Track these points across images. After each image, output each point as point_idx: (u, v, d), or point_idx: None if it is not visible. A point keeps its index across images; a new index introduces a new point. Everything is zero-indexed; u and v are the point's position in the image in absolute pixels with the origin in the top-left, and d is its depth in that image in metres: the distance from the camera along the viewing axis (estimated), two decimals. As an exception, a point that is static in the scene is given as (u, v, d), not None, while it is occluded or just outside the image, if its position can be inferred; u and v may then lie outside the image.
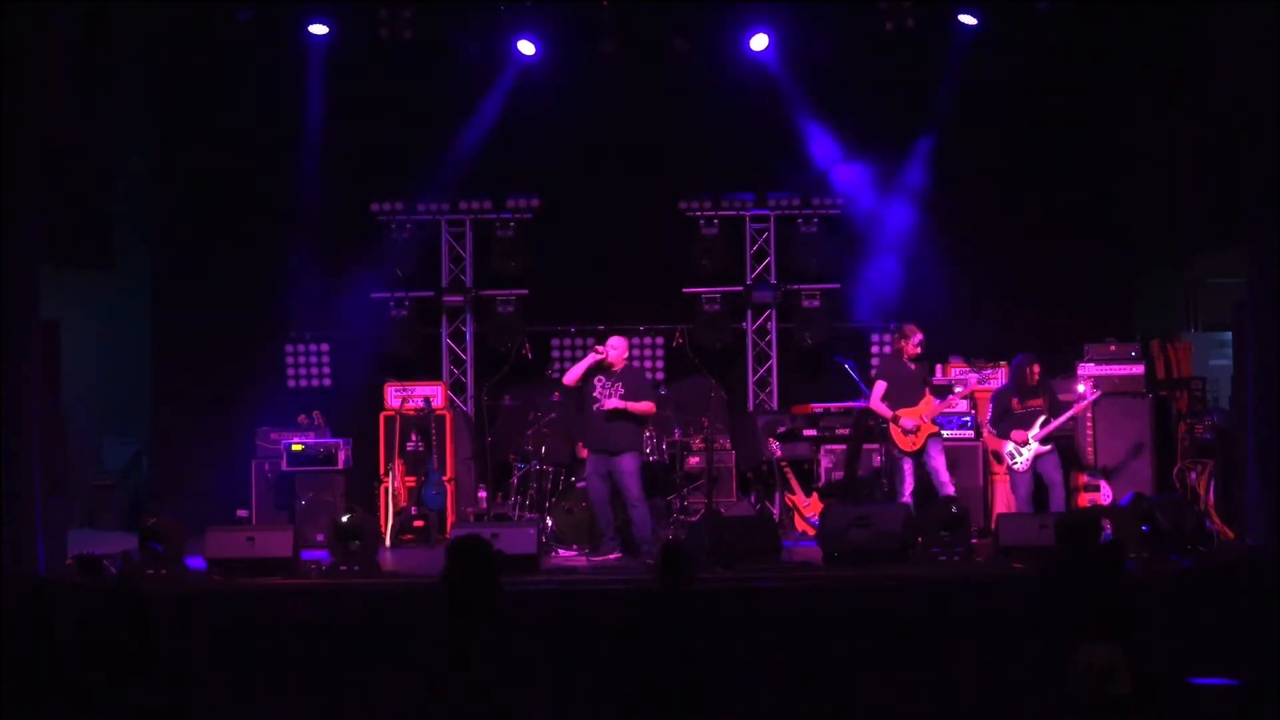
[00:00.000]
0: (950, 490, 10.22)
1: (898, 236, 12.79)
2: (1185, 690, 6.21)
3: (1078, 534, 6.66)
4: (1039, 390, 10.42)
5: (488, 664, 5.47)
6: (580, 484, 10.66)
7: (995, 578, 8.93)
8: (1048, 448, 10.33)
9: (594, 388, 10.03)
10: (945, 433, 10.86)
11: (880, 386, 10.56)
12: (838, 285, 12.92)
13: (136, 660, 5.19)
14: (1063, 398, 10.58)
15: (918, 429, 10.33)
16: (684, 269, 12.99)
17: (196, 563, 9.42)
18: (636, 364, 12.91)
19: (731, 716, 5.67)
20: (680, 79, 12.62)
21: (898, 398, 10.45)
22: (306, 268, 12.78)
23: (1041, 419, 10.32)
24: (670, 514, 11.07)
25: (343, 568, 9.41)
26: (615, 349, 10.08)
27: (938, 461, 10.34)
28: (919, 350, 10.48)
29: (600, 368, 10.04)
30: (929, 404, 10.34)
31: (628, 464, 9.91)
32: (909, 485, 10.39)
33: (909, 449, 10.38)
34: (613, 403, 9.88)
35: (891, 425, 10.43)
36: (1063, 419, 10.35)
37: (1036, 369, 10.42)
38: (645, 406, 9.99)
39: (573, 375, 10.16)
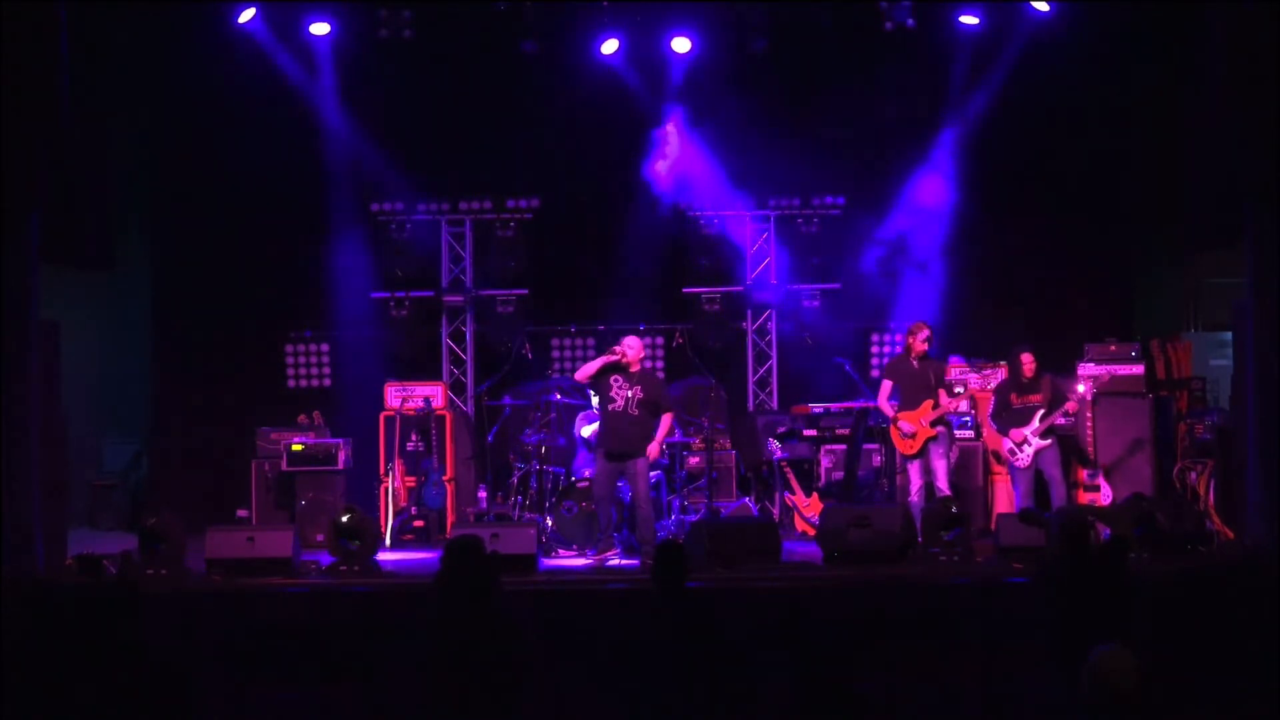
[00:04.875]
0: (946, 493, 10.20)
1: (898, 237, 12.79)
2: (1188, 690, 6.21)
3: (1074, 532, 6.66)
4: (1037, 384, 10.40)
5: (485, 664, 5.47)
6: (581, 483, 10.67)
7: (995, 578, 8.92)
8: (1047, 442, 10.32)
9: (610, 387, 9.95)
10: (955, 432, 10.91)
11: (885, 386, 10.56)
12: (838, 285, 12.91)
13: (130, 657, 5.19)
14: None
15: (915, 434, 10.31)
16: (684, 269, 12.99)
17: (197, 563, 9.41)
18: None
19: (731, 716, 5.67)
20: (682, 78, 12.63)
21: (903, 397, 10.45)
22: (306, 268, 12.78)
23: (1040, 413, 10.31)
24: (670, 514, 11.07)
25: (343, 568, 9.40)
26: (632, 349, 10.02)
27: (938, 464, 10.32)
28: (926, 347, 10.43)
29: (616, 367, 10.03)
30: (926, 407, 10.32)
31: (640, 465, 9.90)
32: (915, 484, 10.38)
33: (907, 452, 10.37)
34: (654, 451, 9.88)
35: (892, 427, 10.45)
36: (1056, 415, 10.31)
37: (1029, 359, 10.39)
38: (667, 424, 9.98)
39: (586, 371, 10.11)
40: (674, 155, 12.70)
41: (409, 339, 12.95)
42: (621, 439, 9.88)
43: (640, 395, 9.89)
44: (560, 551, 10.43)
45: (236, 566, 9.16)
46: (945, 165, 12.65)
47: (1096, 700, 4.58)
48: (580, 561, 10.14)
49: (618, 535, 10.22)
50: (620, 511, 10.59)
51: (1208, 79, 10.12)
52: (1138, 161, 12.74)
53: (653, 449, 9.89)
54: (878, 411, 10.94)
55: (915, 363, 10.46)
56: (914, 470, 10.38)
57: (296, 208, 12.79)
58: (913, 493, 10.35)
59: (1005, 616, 7.98)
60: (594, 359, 10.29)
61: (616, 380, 9.96)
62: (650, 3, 12.33)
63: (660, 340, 13.11)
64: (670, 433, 10.20)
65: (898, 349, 12.80)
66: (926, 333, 10.45)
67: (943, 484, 10.28)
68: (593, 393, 10.42)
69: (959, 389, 11.10)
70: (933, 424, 10.31)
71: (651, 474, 10.88)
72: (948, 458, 10.45)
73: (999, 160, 12.65)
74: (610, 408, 9.94)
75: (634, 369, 9.99)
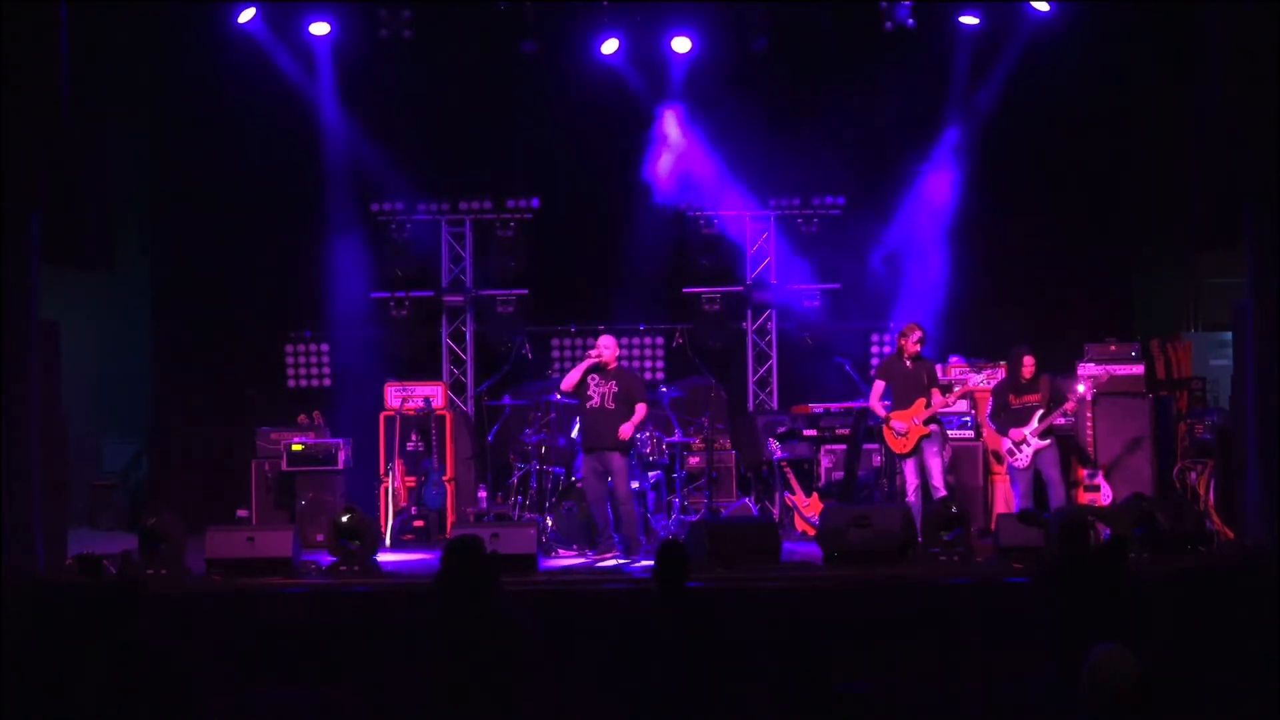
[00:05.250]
0: (942, 492, 10.22)
1: (899, 237, 12.79)
2: (1188, 690, 6.21)
3: (1074, 532, 6.66)
4: (1035, 384, 10.41)
5: (485, 664, 5.47)
6: (581, 483, 10.69)
7: (995, 578, 8.92)
8: (1046, 442, 10.33)
9: (588, 386, 10.14)
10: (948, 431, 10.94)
11: (878, 386, 10.61)
12: (838, 285, 12.91)
13: (131, 657, 5.19)
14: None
15: (907, 432, 10.34)
16: (684, 269, 13.00)
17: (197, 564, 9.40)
18: (635, 364, 13.00)
19: (730, 716, 5.67)
20: (682, 78, 12.63)
21: (896, 397, 10.48)
22: (306, 268, 12.78)
23: (1039, 414, 10.32)
24: (670, 514, 11.08)
25: (343, 568, 9.40)
26: (608, 348, 10.18)
27: (932, 462, 10.36)
28: (918, 348, 10.49)
29: (595, 368, 10.12)
30: (918, 406, 10.35)
31: (618, 462, 10.00)
32: (911, 484, 10.40)
33: (900, 451, 10.41)
34: (626, 430, 9.95)
35: (885, 427, 10.48)
36: (1055, 415, 10.32)
37: (1029, 360, 10.41)
38: (641, 412, 10.10)
39: (570, 381, 10.24)
40: (674, 154, 12.69)
41: (409, 339, 12.95)
42: (598, 433, 10.05)
43: (615, 389, 10.05)
44: (560, 551, 10.44)
45: (236, 566, 9.15)
46: (945, 165, 12.65)
47: (1096, 700, 4.58)
48: (580, 561, 10.14)
49: (617, 536, 10.24)
50: (618, 511, 10.60)
51: (1208, 79, 10.12)
52: (1138, 161, 12.73)
53: (626, 429, 9.96)
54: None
55: (908, 363, 10.51)
56: (910, 470, 10.41)
57: (296, 208, 12.78)
58: (910, 492, 10.38)
59: (1005, 616, 7.98)
60: (573, 368, 10.36)
61: (594, 379, 10.13)
62: (650, 3, 12.32)
63: (660, 340, 13.12)
64: (645, 422, 10.23)
65: (898, 349, 12.84)
66: (919, 334, 10.51)
67: (938, 482, 10.32)
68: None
69: (956, 387, 11.12)
70: (925, 422, 10.34)
71: (651, 474, 10.90)
72: (942, 456, 10.50)
73: (999, 160, 12.64)
74: (588, 405, 10.11)
75: (611, 366, 10.16)
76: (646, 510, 10.75)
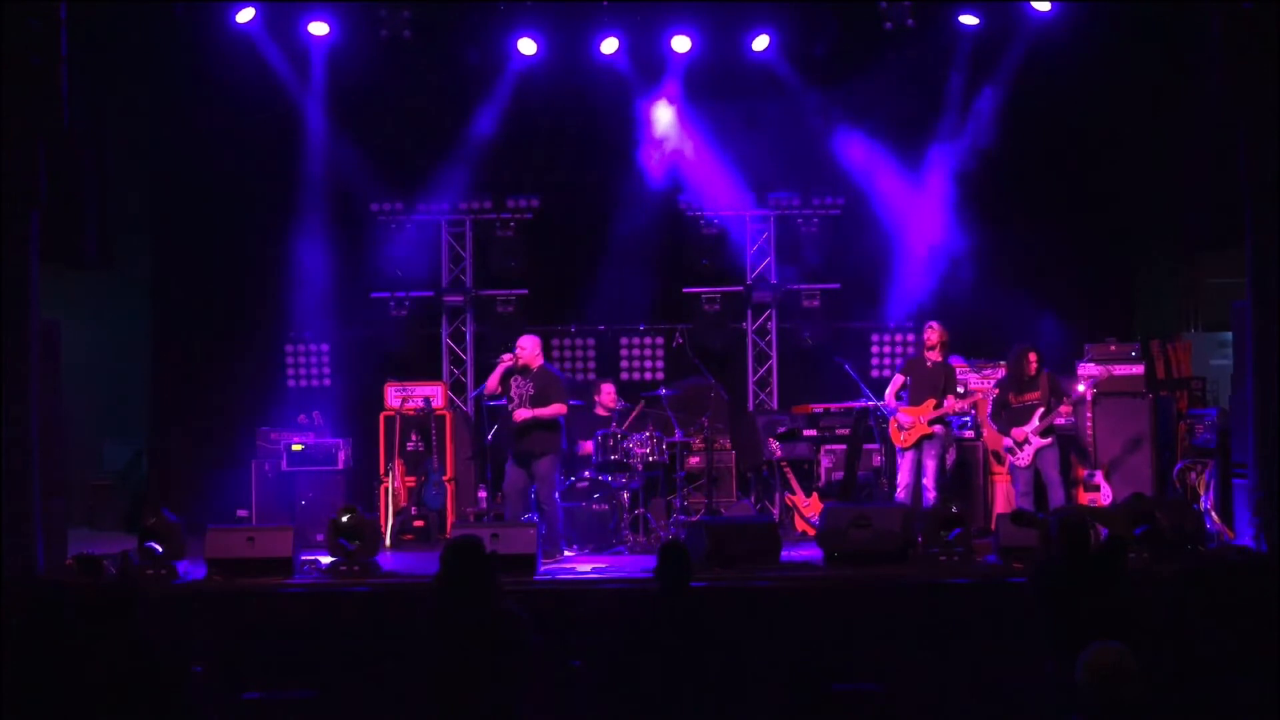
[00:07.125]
0: (930, 493, 10.25)
1: (898, 236, 12.79)
2: (1187, 690, 6.21)
3: (1073, 533, 6.65)
4: (1036, 383, 10.42)
5: (485, 664, 5.47)
6: (581, 484, 10.70)
7: (995, 578, 8.93)
8: (1048, 441, 10.34)
9: (511, 388, 10.08)
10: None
11: (897, 380, 10.72)
12: (838, 285, 12.92)
13: (131, 657, 5.19)
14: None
15: (911, 427, 10.39)
16: (684, 269, 13.00)
17: (197, 568, 9.38)
18: (635, 364, 13.00)
19: (730, 716, 5.67)
20: (681, 78, 12.63)
21: (912, 394, 10.57)
22: (306, 267, 12.77)
23: (1040, 412, 10.33)
24: (670, 514, 11.08)
25: (343, 568, 9.40)
26: (525, 349, 10.11)
27: (928, 464, 10.42)
28: (932, 340, 10.55)
29: (519, 369, 10.06)
30: (928, 405, 10.37)
31: (543, 467, 9.93)
32: (904, 480, 10.46)
33: (900, 445, 10.48)
34: (522, 414, 9.86)
35: (891, 419, 10.51)
36: (1055, 415, 10.32)
37: (1033, 358, 10.43)
38: (553, 410, 9.94)
39: (488, 384, 10.20)
40: (674, 153, 12.69)
41: (409, 339, 12.96)
42: (514, 441, 9.99)
43: (531, 391, 9.96)
44: (562, 551, 10.42)
45: (236, 566, 9.15)
46: (945, 164, 12.64)
47: (1095, 700, 4.58)
48: (581, 561, 10.11)
49: (616, 536, 10.25)
50: (618, 512, 10.61)
51: (1208, 79, 10.12)
52: (1138, 161, 12.73)
53: (521, 412, 9.84)
54: (878, 411, 10.97)
55: (929, 363, 10.55)
56: (904, 467, 10.45)
57: (296, 207, 12.77)
58: (900, 488, 10.42)
59: (1005, 616, 7.98)
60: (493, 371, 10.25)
61: (517, 380, 10.08)
62: (650, 2, 12.31)
63: (660, 340, 13.12)
64: (553, 417, 9.95)
65: (898, 349, 12.88)
66: (929, 328, 10.59)
67: (928, 482, 10.36)
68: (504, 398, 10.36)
69: (960, 390, 11.14)
70: (931, 422, 10.36)
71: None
72: (940, 459, 10.52)
73: (999, 160, 12.62)
74: (509, 407, 10.04)
75: (534, 367, 10.08)
76: (629, 512, 10.74)
